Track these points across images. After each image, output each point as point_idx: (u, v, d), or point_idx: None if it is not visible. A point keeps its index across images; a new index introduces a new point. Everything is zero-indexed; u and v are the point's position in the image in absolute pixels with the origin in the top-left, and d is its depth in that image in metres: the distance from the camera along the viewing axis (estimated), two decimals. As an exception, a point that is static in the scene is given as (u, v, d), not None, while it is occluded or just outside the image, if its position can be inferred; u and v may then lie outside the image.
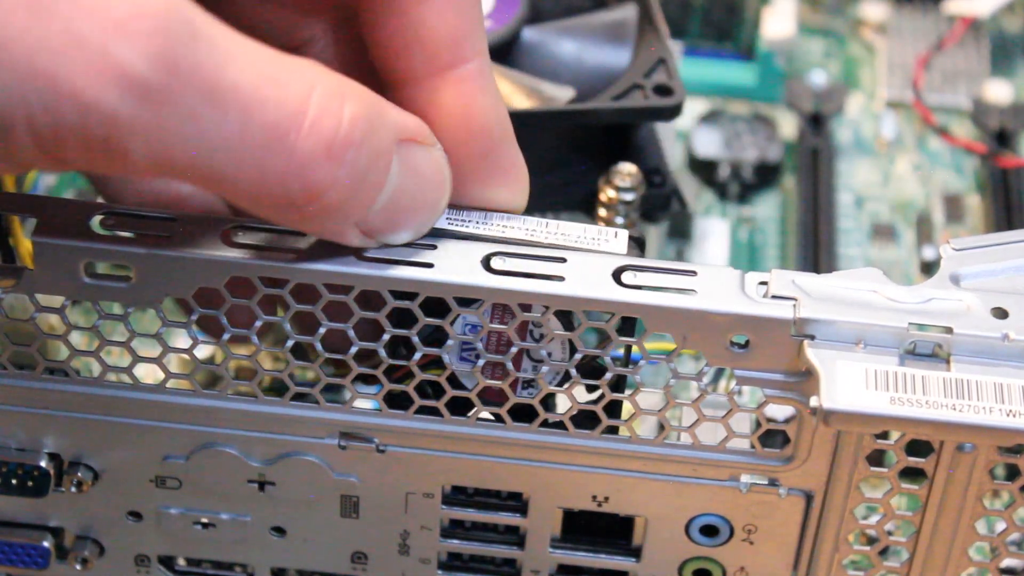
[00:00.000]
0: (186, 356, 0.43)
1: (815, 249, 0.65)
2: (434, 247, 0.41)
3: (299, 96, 0.37)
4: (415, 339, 0.42)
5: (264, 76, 0.37)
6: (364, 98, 0.39)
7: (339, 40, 0.46)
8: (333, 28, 0.46)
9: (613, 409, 0.43)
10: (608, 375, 0.42)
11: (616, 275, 0.41)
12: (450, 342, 0.42)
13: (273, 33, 0.44)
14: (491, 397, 0.43)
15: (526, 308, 0.41)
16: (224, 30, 0.37)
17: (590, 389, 0.43)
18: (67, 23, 0.35)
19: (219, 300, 0.42)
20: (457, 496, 0.46)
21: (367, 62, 0.43)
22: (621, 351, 0.43)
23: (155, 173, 0.37)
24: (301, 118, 0.37)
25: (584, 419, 0.43)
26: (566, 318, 0.42)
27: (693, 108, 0.71)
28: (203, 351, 0.49)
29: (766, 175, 0.69)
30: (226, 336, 0.42)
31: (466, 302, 0.41)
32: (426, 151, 0.41)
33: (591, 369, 0.43)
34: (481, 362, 0.42)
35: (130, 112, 0.35)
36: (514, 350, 0.42)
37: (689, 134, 0.69)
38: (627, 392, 0.43)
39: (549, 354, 0.43)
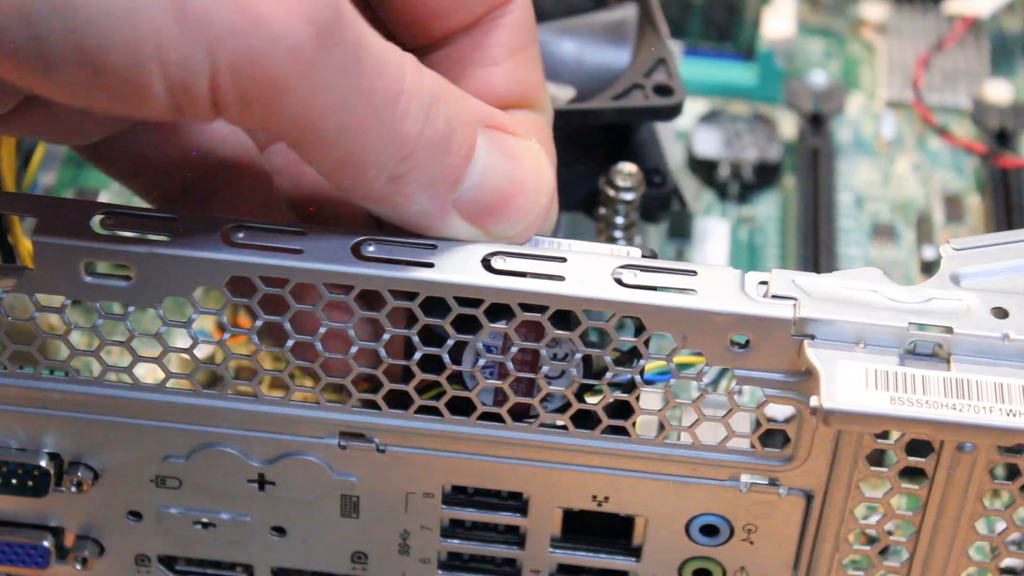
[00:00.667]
0: (186, 356, 0.43)
1: (815, 249, 0.65)
2: (434, 247, 0.41)
3: (399, 61, 0.39)
4: (418, 348, 0.42)
5: (379, 38, 0.38)
6: (439, 75, 0.40)
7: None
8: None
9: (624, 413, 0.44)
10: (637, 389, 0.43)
11: (616, 275, 0.41)
12: (478, 357, 0.42)
13: None
14: (519, 411, 0.44)
15: (528, 309, 0.41)
16: None
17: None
18: None
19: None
20: (457, 496, 0.46)
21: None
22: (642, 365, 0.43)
23: (293, 130, 0.38)
24: (404, 81, 0.39)
25: (612, 429, 0.44)
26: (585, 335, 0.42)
27: (693, 108, 0.71)
28: (203, 351, 0.49)
29: (766, 175, 0.69)
30: (226, 336, 0.42)
31: (492, 314, 0.41)
32: (517, 139, 0.42)
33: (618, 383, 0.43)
34: (500, 380, 0.43)
35: (310, 51, 0.36)
36: (544, 369, 0.43)
37: (689, 134, 0.69)
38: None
39: (568, 372, 0.43)
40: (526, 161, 0.42)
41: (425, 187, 0.40)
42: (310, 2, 0.36)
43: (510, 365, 0.42)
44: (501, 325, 0.42)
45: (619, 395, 0.43)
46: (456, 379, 0.43)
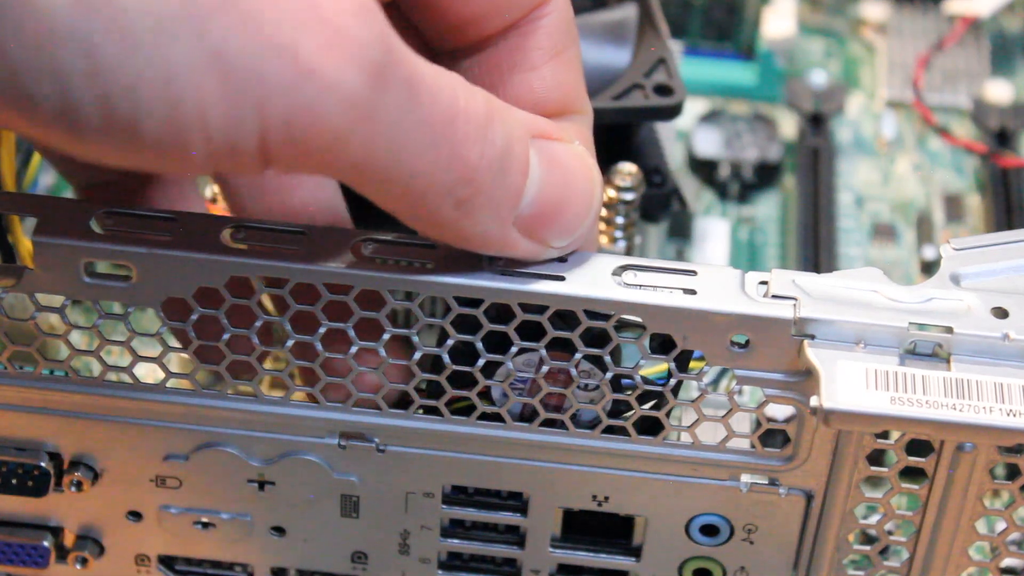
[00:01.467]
0: (186, 355, 0.43)
1: (815, 249, 0.65)
2: (433, 247, 0.41)
3: (452, 85, 0.38)
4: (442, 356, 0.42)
5: (430, 66, 0.37)
6: (487, 92, 0.39)
7: None
8: None
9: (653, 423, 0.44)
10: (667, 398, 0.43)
11: (616, 275, 0.41)
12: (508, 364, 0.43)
13: None
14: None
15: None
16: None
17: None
18: None
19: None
20: (457, 496, 0.46)
21: None
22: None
23: (350, 171, 0.37)
24: (456, 103, 0.38)
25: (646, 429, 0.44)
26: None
27: (693, 108, 0.71)
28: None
29: (766, 175, 0.69)
30: (225, 336, 0.42)
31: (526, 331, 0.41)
32: (563, 145, 0.41)
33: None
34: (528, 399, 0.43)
35: (365, 96, 0.35)
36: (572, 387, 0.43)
37: (689, 134, 0.69)
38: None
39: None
40: (575, 167, 0.41)
41: (489, 208, 0.39)
42: (360, 46, 0.35)
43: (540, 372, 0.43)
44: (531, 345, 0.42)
45: (650, 412, 0.43)
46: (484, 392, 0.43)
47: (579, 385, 0.43)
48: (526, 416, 0.44)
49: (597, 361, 0.42)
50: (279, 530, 0.47)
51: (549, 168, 0.40)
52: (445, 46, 0.44)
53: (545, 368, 0.42)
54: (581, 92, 0.45)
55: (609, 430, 0.43)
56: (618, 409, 0.43)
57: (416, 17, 0.43)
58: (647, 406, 0.43)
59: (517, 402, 0.43)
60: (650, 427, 0.44)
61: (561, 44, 0.43)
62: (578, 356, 0.42)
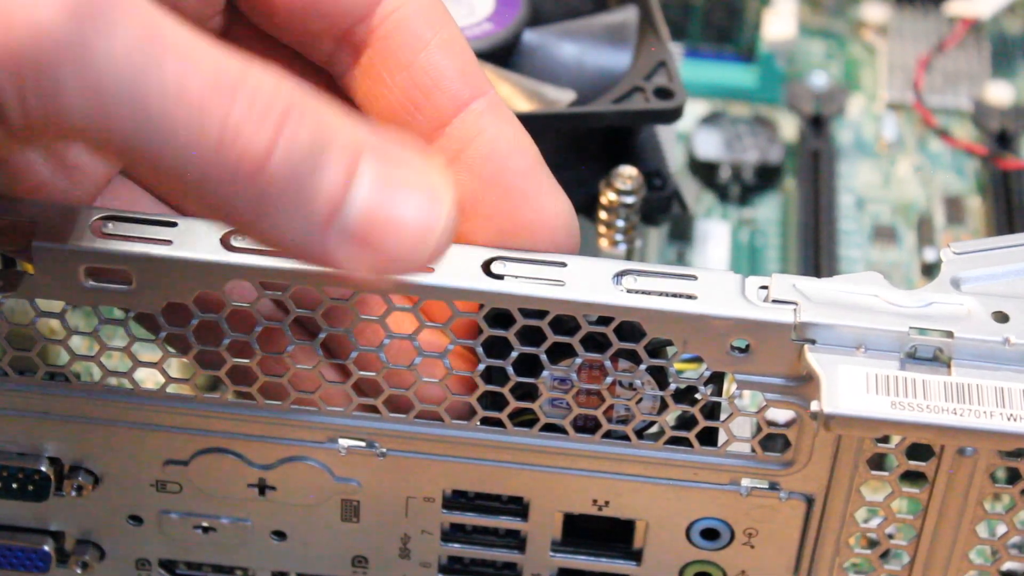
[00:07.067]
0: (186, 360, 0.43)
1: (816, 251, 0.65)
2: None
3: (239, 64, 0.36)
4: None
5: (203, 39, 0.36)
6: (310, 88, 0.37)
7: None
8: None
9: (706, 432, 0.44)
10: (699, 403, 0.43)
11: (616, 279, 0.41)
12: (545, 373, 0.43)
13: None
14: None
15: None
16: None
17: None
18: None
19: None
20: (458, 500, 0.46)
21: None
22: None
23: (91, 129, 0.35)
24: (240, 80, 0.36)
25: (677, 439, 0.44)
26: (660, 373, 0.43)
27: (694, 110, 0.71)
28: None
29: (767, 177, 0.69)
30: (226, 341, 0.42)
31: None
32: (412, 169, 0.38)
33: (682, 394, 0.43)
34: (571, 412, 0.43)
35: (61, 28, 0.34)
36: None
37: (690, 136, 0.69)
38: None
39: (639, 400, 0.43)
40: (421, 187, 0.38)
41: (293, 210, 0.36)
42: None
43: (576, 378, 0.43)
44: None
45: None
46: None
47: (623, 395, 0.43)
48: (588, 428, 0.44)
49: (657, 372, 0.43)
50: (280, 534, 0.47)
51: (385, 181, 0.37)
52: (317, 56, 0.44)
53: (609, 380, 0.42)
54: (472, 74, 0.43)
55: (672, 441, 0.44)
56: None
57: (254, 17, 0.43)
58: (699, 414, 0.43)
59: (569, 413, 0.43)
60: (706, 436, 0.44)
61: (427, 33, 0.43)
62: (642, 367, 0.42)
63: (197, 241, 0.41)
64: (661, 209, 0.57)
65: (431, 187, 0.38)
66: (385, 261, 0.38)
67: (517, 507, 0.46)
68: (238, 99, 0.35)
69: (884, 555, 0.45)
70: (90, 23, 0.34)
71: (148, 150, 0.35)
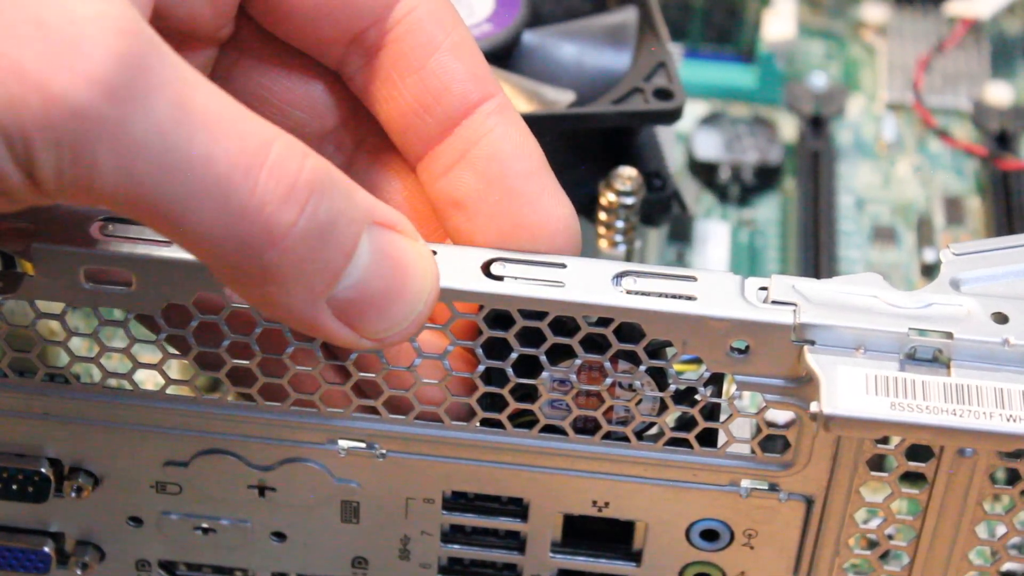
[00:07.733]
0: (186, 361, 0.43)
1: (816, 251, 0.65)
2: (434, 252, 0.41)
3: (264, 136, 0.37)
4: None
5: (231, 108, 0.37)
6: (327, 163, 0.38)
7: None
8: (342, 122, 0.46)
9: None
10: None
11: (616, 280, 0.41)
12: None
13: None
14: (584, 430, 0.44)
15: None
16: (187, 64, 0.36)
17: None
18: (33, 12, 0.34)
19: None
20: (458, 501, 0.46)
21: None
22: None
23: (119, 196, 0.36)
24: (264, 154, 0.37)
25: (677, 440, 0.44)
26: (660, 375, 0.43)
27: (693, 110, 0.71)
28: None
29: (766, 177, 0.69)
30: (226, 342, 0.42)
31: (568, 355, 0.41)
32: (404, 240, 0.40)
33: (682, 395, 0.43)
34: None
35: (98, 109, 0.35)
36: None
37: (689, 137, 0.69)
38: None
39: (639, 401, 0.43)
40: (411, 265, 0.39)
41: (301, 282, 0.38)
42: (91, 62, 0.34)
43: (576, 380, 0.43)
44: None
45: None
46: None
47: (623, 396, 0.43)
48: (587, 429, 0.44)
49: (657, 374, 0.43)
50: (279, 535, 0.47)
51: (379, 258, 0.39)
52: (327, 59, 0.44)
53: (608, 381, 0.42)
54: (482, 77, 0.44)
55: (672, 442, 0.44)
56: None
57: (266, 22, 0.44)
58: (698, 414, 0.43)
59: (569, 414, 0.43)
60: (706, 437, 0.44)
61: (439, 35, 0.43)
62: (642, 368, 0.42)
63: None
64: (661, 210, 0.57)
65: (420, 267, 0.40)
66: (370, 335, 0.39)
67: (517, 508, 0.46)
68: (263, 174, 0.36)
69: (884, 556, 0.45)
70: (129, 105, 0.35)
71: (172, 217, 0.36)
